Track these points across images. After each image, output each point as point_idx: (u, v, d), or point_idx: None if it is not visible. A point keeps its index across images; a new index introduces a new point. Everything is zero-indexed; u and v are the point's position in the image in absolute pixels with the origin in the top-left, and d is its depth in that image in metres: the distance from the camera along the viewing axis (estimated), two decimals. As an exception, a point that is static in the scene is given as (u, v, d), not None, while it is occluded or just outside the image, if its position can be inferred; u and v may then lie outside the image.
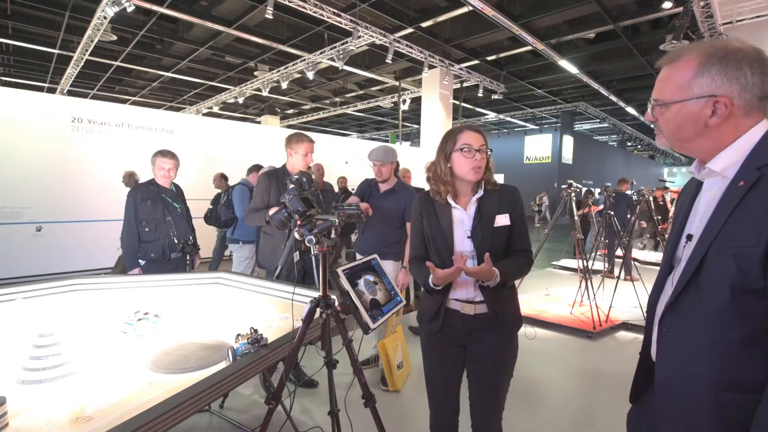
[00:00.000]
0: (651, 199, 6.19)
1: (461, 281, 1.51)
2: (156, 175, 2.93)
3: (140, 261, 2.85)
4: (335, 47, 8.88)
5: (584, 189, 7.64)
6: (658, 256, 7.84)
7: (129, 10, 6.52)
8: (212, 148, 7.84)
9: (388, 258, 2.84)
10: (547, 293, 5.29)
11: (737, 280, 0.77)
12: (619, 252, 5.63)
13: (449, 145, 1.52)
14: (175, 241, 2.88)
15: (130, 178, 5.56)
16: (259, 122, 17.08)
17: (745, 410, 0.76)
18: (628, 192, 6.27)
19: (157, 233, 2.84)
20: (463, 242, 1.50)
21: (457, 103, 12.31)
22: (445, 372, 1.59)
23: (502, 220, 1.49)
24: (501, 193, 1.53)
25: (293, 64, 10.40)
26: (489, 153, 1.52)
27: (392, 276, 2.58)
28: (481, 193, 1.52)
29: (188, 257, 3.02)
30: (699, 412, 0.83)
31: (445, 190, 1.53)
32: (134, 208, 2.82)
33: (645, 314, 1.06)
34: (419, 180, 8.91)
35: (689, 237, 0.91)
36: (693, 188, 0.97)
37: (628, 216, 5.58)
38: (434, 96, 10.44)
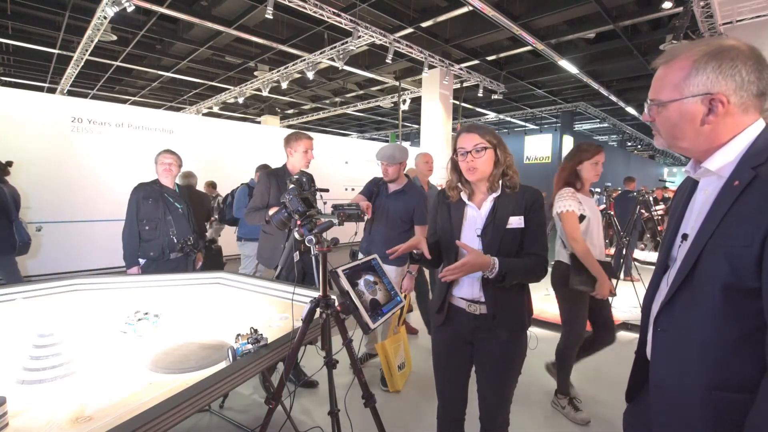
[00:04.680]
0: (651, 198, 6.19)
1: (466, 279, 1.51)
2: (158, 171, 2.94)
3: (140, 260, 2.85)
4: (335, 47, 8.88)
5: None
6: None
7: (129, 10, 6.51)
8: (212, 148, 7.84)
9: (390, 263, 2.69)
10: (547, 293, 5.29)
11: (731, 279, 0.77)
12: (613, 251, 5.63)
13: (453, 152, 1.55)
14: (175, 240, 2.88)
15: None
16: (259, 122, 17.07)
17: (738, 409, 0.77)
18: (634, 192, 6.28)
19: (156, 232, 2.84)
20: (471, 240, 1.50)
21: (457, 103, 12.30)
22: (452, 365, 1.61)
23: (516, 222, 1.47)
24: (520, 195, 1.50)
25: (293, 64, 10.39)
26: (490, 149, 1.48)
27: (394, 282, 2.45)
28: (498, 192, 1.51)
29: (189, 258, 3.01)
30: (692, 412, 0.83)
31: (455, 194, 1.57)
32: (136, 207, 2.83)
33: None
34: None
35: (684, 236, 0.91)
36: (688, 188, 0.97)
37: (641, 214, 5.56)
38: (434, 96, 10.43)
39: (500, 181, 1.51)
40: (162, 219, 2.85)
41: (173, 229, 2.88)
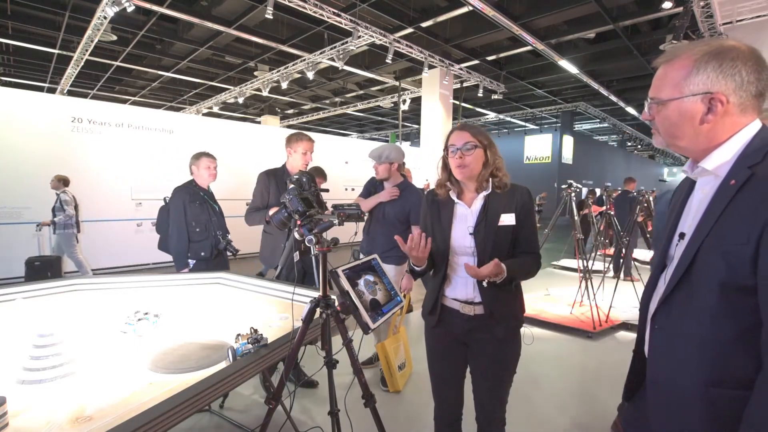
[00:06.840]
0: (651, 199, 6.19)
1: (460, 279, 1.51)
2: (202, 175, 2.94)
3: (190, 261, 2.87)
4: (335, 47, 8.88)
5: (586, 190, 7.64)
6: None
7: (129, 10, 6.52)
8: (212, 148, 7.80)
9: (389, 262, 2.72)
10: (547, 293, 5.29)
11: (727, 277, 0.78)
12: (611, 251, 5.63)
13: (444, 150, 1.55)
14: (221, 240, 2.94)
15: None
16: (259, 122, 17.09)
17: (734, 406, 0.77)
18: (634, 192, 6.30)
19: (206, 233, 2.89)
20: (464, 238, 1.50)
21: (457, 103, 12.31)
22: (447, 367, 1.61)
23: (507, 219, 1.47)
24: (510, 193, 1.51)
25: (293, 64, 10.40)
26: (479, 148, 1.47)
27: (394, 281, 2.48)
28: (488, 191, 1.51)
29: (231, 254, 3.01)
30: (690, 409, 0.84)
31: (444, 192, 1.57)
32: (183, 209, 2.84)
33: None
34: (419, 180, 8.87)
35: (682, 235, 0.91)
36: (686, 187, 0.98)
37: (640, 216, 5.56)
38: (434, 96, 10.43)
39: (489, 181, 1.51)
40: (209, 220, 2.91)
41: (220, 230, 2.96)
